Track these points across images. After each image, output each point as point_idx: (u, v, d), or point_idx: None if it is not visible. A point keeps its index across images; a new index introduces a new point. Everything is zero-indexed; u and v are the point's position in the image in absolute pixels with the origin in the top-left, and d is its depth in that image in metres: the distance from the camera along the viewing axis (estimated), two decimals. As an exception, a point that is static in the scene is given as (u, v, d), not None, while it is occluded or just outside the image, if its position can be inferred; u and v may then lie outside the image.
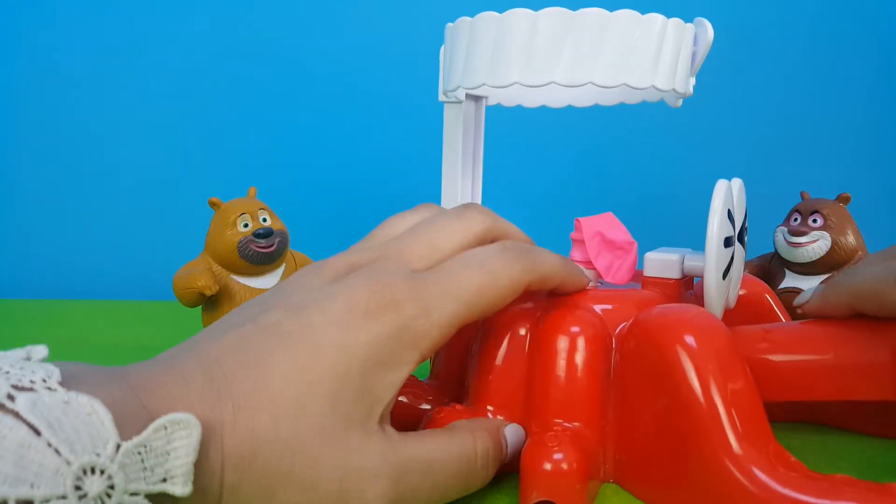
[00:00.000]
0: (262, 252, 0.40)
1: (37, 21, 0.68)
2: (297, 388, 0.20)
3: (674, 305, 0.26)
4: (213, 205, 0.41)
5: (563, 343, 0.26)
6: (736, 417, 0.22)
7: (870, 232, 0.44)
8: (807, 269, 0.43)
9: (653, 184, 0.69)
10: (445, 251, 0.25)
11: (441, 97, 0.37)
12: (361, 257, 0.24)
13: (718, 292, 0.28)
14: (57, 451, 0.14)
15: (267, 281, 0.41)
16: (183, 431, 0.16)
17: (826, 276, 0.43)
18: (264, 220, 0.40)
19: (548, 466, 0.23)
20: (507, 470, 0.26)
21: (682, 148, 0.69)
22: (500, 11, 0.30)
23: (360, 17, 0.68)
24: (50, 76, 0.68)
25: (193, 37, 0.68)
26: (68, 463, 0.14)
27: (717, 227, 0.27)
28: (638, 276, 0.32)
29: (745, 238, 0.32)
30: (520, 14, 0.30)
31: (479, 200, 0.39)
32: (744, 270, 0.46)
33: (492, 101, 0.39)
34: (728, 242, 0.28)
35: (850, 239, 0.43)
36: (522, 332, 0.28)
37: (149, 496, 0.16)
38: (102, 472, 0.15)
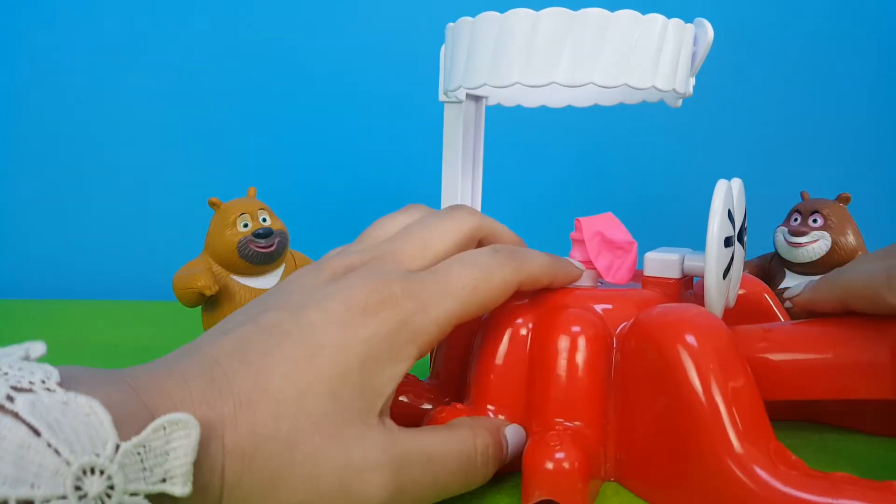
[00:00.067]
0: (262, 252, 0.40)
1: (37, 21, 0.68)
2: (298, 386, 0.20)
3: (674, 305, 0.26)
4: (212, 205, 0.41)
5: (563, 342, 0.26)
6: (737, 416, 0.22)
7: (870, 232, 0.44)
8: (807, 269, 0.43)
9: (653, 184, 0.69)
10: (438, 251, 0.25)
11: (441, 97, 0.37)
12: (357, 258, 0.25)
13: (719, 292, 0.28)
14: (56, 452, 0.14)
15: (267, 281, 0.41)
16: (182, 431, 0.16)
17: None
18: (264, 220, 0.40)
19: (550, 466, 0.23)
20: (508, 470, 0.26)
21: (682, 148, 0.69)
22: (501, 11, 0.30)
23: (360, 17, 0.68)
24: (50, 76, 0.68)
25: (193, 37, 0.68)
26: (68, 463, 0.14)
27: (717, 228, 0.27)
28: (638, 275, 0.32)
29: (745, 238, 0.32)
30: (521, 14, 0.30)
31: (479, 200, 0.39)
32: (743, 270, 0.46)
33: (492, 101, 0.39)
34: (728, 242, 0.28)
35: (851, 239, 0.43)
36: (523, 331, 0.28)
37: (148, 496, 0.16)
38: (102, 472, 0.15)
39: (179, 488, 0.16)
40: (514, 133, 0.64)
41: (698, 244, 0.29)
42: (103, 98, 0.68)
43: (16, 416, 0.14)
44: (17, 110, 0.68)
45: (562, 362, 0.26)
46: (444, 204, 0.37)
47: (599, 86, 0.30)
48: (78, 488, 0.14)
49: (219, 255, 0.40)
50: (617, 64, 0.29)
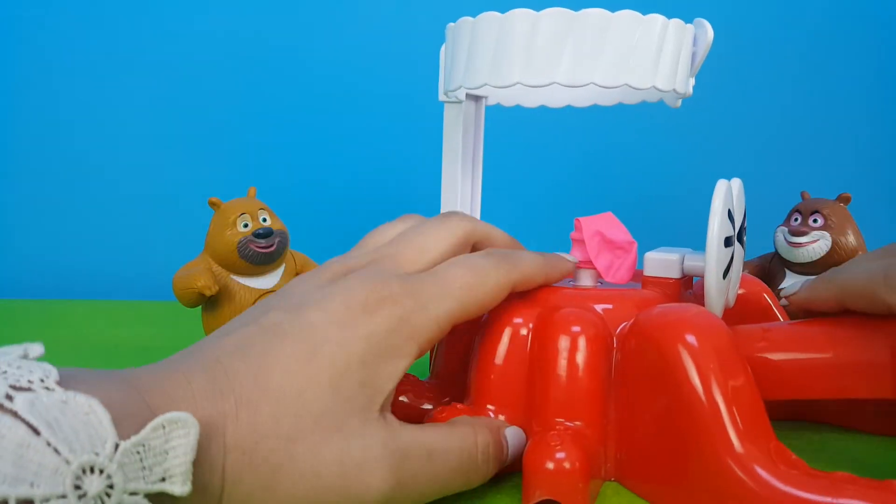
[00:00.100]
0: (262, 252, 0.40)
1: (37, 21, 0.68)
2: (299, 382, 0.20)
3: (674, 305, 0.26)
4: (212, 205, 0.41)
5: (564, 342, 0.26)
6: (737, 416, 0.22)
7: (870, 232, 0.44)
8: (807, 269, 0.43)
9: (653, 184, 0.69)
10: (434, 254, 0.26)
11: (441, 97, 0.37)
12: (356, 262, 0.26)
13: (718, 292, 0.28)
14: (56, 451, 0.14)
15: (267, 281, 0.41)
16: (181, 430, 0.16)
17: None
18: (264, 220, 0.40)
19: (550, 465, 0.23)
20: (508, 470, 0.26)
21: (682, 148, 0.69)
22: (502, 11, 0.30)
23: (360, 17, 0.68)
24: (50, 76, 0.68)
25: (193, 37, 0.68)
26: (67, 462, 0.14)
27: (717, 227, 0.27)
28: (638, 275, 0.32)
29: (745, 238, 0.32)
30: (521, 14, 0.30)
31: (478, 200, 0.39)
32: (744, 270, 0.46)
33: (492, 101, 0.39)
34: (728, 242, 0.28)
35: (851, 239, 0.43)
36: (524, 331, 0.28)
37: (148, 495, 0.16)
38: (101, 471, 0.15)
39: (179, 487, 0.16)
40: (514, 133, 0.64)
41: (698, 244, 0.29)
42: (103, 98, 0.68)
43: (15, 414, 0.14)
44: (16, 110, 0.68)
45: (562, 362, 0.26)
46: (444, 203, 0.37)
47: (600, 86, 0.30)
48: (77, 487, 0.14)
49: (219, 255, 0.40)
50: (617, 64, 0.29)
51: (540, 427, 0.26)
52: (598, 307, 0.28)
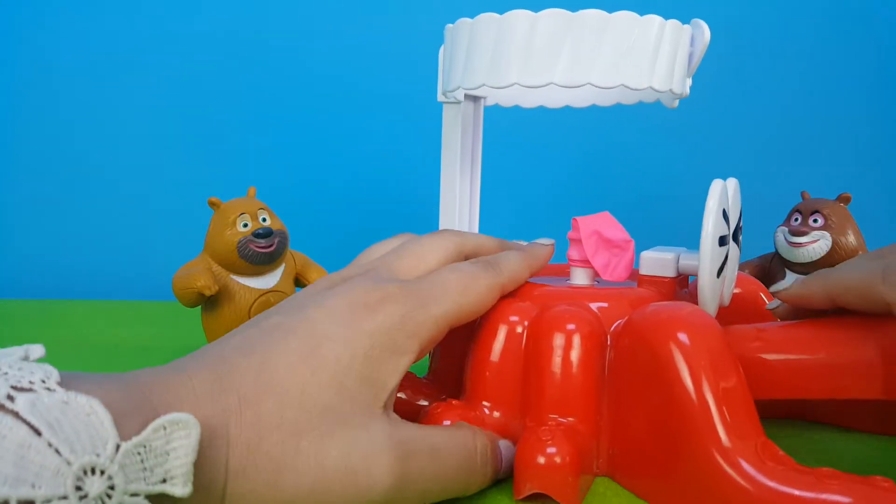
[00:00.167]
0: (262, 252, 0.40)
1: (36, 21, 0.68)
2: (302, 378, 0.20)
3: (668, 303, 0.26)
4: (212, 205, 0.41)
5: (558, 340, 0.26)
6: (726, 412, 0.22)
7: (870, 232, 0.44)
8: (807, 268, 0.43)
9: (653, 184, 0.69)
10: (429, 263, 0.27)
11: (440, 97, 0.37)
12: (354, 271, 0.27)
13: (712, 290, 0.28)
14: (57, 452, 0.14)
15: (266, 281, 0.41)
16: (182, 431, 0.16)
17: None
18: (264, 220, 0.40)
19: (541, 460, 0.23)
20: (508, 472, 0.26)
21: (682, 148, 0.69)
22: (500, 13, 0.30)
23: (360, 18, 0.68)
24: (50, 76, 0.68)
25: (193, 37, 0.68)
26: (69, 463, 0.14)
27: (711, 227, 0.27)
28: (635, 274, 0.33)
29: (740, 237, 0.32)
30: (519, 15, 0.30)
31: (477, 200, 0.40)
32: (744, 270, 0.46)
33: (490, 102, 0.40)
34: (723, 241, 0.28)
35: (851, 239, 0.43)
36: (519, 329, 0.28)
37: (149, 496, 0.16)
38: (102, 472, 0.15)
39: (180, 489, 0.16)
40: (513, 133, 0.64)
41: (695, 243, 0.30)
42: (103, 98, 0.68)
43: (16, 415, 0.14)
44: (16, 110, 0.69)
45: (556, 359, 0.26)
46: (443, 203, 0.38)
47: (597, 86, 0.30)
48: (79, 488, 0.14)
49: (218, 254, 0.40)
50: (614, 65, 0.30)
51: (534, 422, 0.26)
52: (594, 305, 0.28)
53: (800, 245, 0.43)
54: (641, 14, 0.30)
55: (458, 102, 0.36)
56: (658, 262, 0.31)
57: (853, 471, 0.21)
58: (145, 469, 0.16)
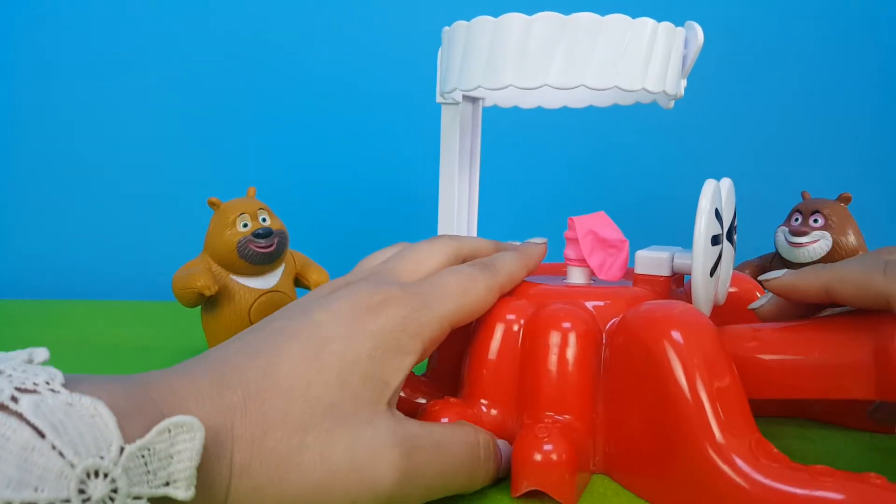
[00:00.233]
0: (262, 252, 0.40)
1: (37, 21, 0.68)
2: (307, 376, 0.21)
3: (662, 302, 0.27)
4: (212, 205, 0.41)
5: (554, 338, 0.27)
6: (720, 409, 0.22)
7: (870, 232, 0.45)
8: (807, 268, 0.43)
9: (653, 184, 0.69)
10: (428, 267, 0.28)
11: (438, 98, 0.37)
12: (354, 277, 0.27)
13: (706, 289, 0.28)
14: (61, 454, 0.14)
15: (266, 281, 0.41)
16: (186, 434, 0.16)
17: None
18: (264, 220, 0.41)
19: (538, 457, 0.24)
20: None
21: (682, 148, 0.69)
22: (496, 15, 0.31)
23: (360, 19, 0.68)
24: (50, 76, 0.68)
25: (193, 37, 0.68)
26: (72, 466, 0.14)
27: (704, 226, 0.27)
28: (630, 273, 0.33)
29: (735, 237, 0.32)
30: (514, 18, 0.30)
31: (475, 200, 0.40)
32: (744, 270, 0.46)
33: (488, 103, 0.40)
34: (716, 241, 0.28)
35: (851, 239, 0.43)
36: (515, 327, 0.28)
37: (151, 499, 0.16)
38: (106, 475, 0.15)
39: (182, 492, 0.16)
40: (511, 134, 0.64)
41: (691, 243, 0.30)
42: (103, 98, 0.69)
43: (20, 416, 0.14)
44: (16, 110, 0.69)
45: (552, 357, 0.26)
46: (441, 203, 0.38)
47: (591, 88, 0.30)
48: (82, 491, 0.14)
49: (218, 255, 0.40)
50: (607, 66, 0.30)
51: (530, 420, 0.26)
52: (589, 304, 0.29)
53: (800, 245, 0.43)
54: (647, 15, 0.30)
55: (457, 103, 0.37)
56: (653, 261, 0.31)
57: (847, 468, 0.21)
58: (149, 472, 0.16)
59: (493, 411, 0.28)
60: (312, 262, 0.45)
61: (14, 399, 0.15)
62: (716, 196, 0.28)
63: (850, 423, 0.33)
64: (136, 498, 0.15)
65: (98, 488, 0.14)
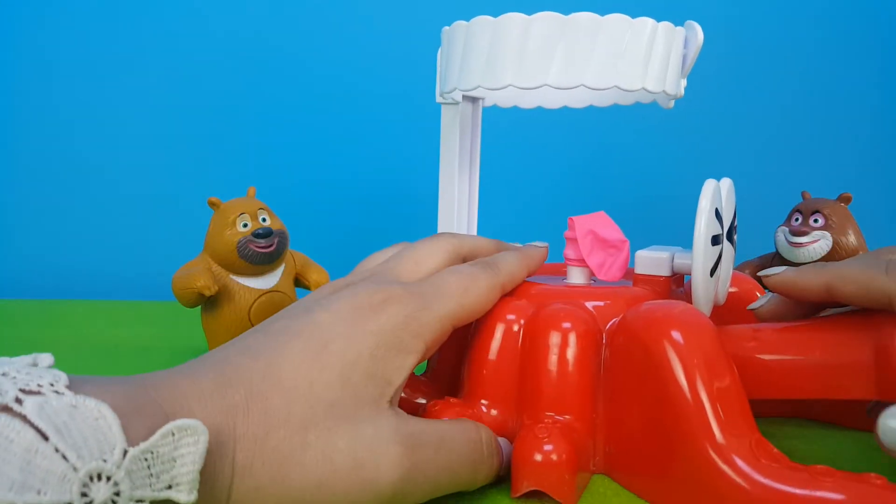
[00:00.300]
0: (262, 252, 0.40)
1: (37, 21, 0.68)
2: (309, 375, 0.21)
3: (662, 302, 0.27)
4: (212, 205, 0.41)
5: (554, 338, 0.27)
6: (720, 409, 0.22)
7: (870, 232, 0.45)
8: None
9: (653, 185, 0.69)
10: (428, 266, 0.28)
11: (438, 98, 0.37)
12: (355, 278, 0.27)
13: (706, 289, 0.28)
14: (64, 457, 0.14)
15: (266, 281, 0.41)
16: (190, 438, 0.16)
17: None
18: (264, 220, 0.41)
19: (538, 457, 0.24)
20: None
21: (682, 148, 0.69)
22: (495, 15, 0.31)
23: (360, 19, 0.68)
24: (50, 76, 0.68)
25: (193, 37, 0.68)
26: (75, 469, 0.14)
27: (704, 226, 0.27)
28: (630, 273, 0.33)
29: (735, 237, 0.32)
30: (514, 18, 0.30)
31: (475, 200, 0.40)
32: (745, 270, 0.46)
33: (488, 103, 0.40)
34: (716, 241, 0.28)
35: (852, 239, 0.43)
36: (515, 327, 0.28)
37: (153, 503, 0.16)
38: (109, 478, 0.15)
39: (185, 496, 0.16)
40: (511, 134, 0.64)
41: (691, 243, 0.30)
42: (103, 98, 0.69)
43: (24, 418, 0.14)
44: (16, 110, 0.69)
45: (552, 357, 0.26)
46: (441, 203, 0.38)
47: (590, 88, 0.30)
48: (84, 494, 0.14)
49: (218, 255, 0.40)
50: (607, 66, 0.30)
51: (530, 420, 0.26)
52: (589, 304, 0.29)
53: (800, 245, 0.43)
54: (636, 16, 0.30)
55: (457, 103, 0.37)
56: (653, 261, 0.31)
57: (847, 468, 0.21)
58: (151, 475, 0.16)
59: (494, 411, 0.28)
60: (312, 262, 0.45)
61: (18, 401, 0.15)
62: (716, 196, 0.28)
63: (850, 423, 0.33)
64: (139, 501, 0.15)
65: (101, 491, 0.14)
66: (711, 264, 0.28)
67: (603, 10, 0.30)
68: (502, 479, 0.26)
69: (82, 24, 0.68)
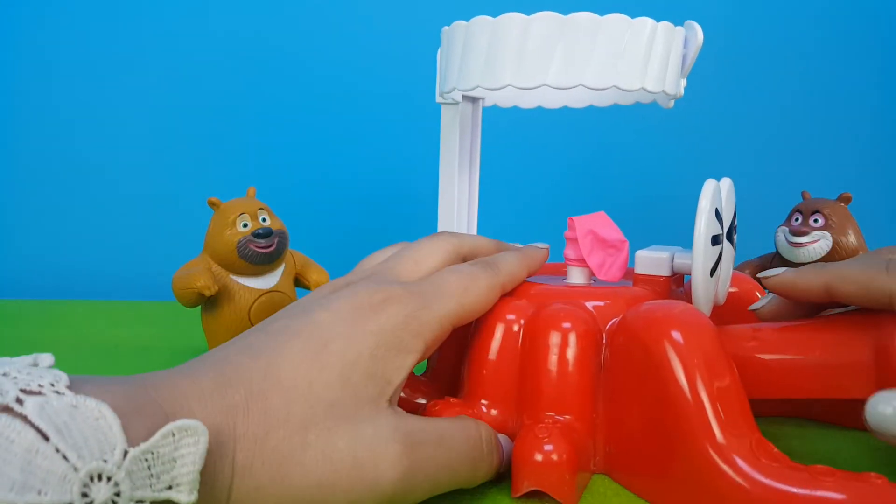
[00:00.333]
0: (262, 252, 0.40)
1: (37, 21, 0.68)
2: (309, 375, 0.21)
3: (662, 302, 0.27)
4: (212, 205, 0.41)
5: (554, 338, 0.27)
6: (720, 409, 0.22)
7: (870, 232, 0.45)
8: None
9: (653, 185, 0.69)
10: (428, 265, 0.28)
11: (438, 98, 0.37)
12: (355, 277, 0.27)
13: (706, 289, 0.28)
14: (65, 457, 0.14)
15: (266, 281, 0.41)
16: (190, 438, 0.16)
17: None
18: (264, 220, 0.41)
19: (539, 457, 0.24)
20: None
21: (682, 148, 0.69)
22: (495, 15, 0.31)
23: (360, 19, 0.68)
24: (50, 76, 0.68)
25: (193, 37, 0.68)
26: (75, 469, 0.14)
27: (704, 226, 0.27)
28: (630, 273, 0.33)
29: (735, 237, 0.32)
30: (513, 18, 0.30)
31: (475, 200, 0.40)
32: (745, 270, 0.46)
33: (488, 103, 0.40)
34: (716, 241, 0.28)
35: (852, 239, 0.43)
36: (515, 327, 0.28)
37: (153, 503, 0.16)
38: (109, 478, 0.15)
39: (185, 496, 0.16)
40: (511, 134, 0.64)
41: (691, 243, 0.30)
42: (103, 98, 0.69)
43: (25, 419, 0.14)
44: (16, 110, 0.69)
45: (552, 357, 0.26)
46: (441, 203, 0.38)
47: (590, 88, 0.30)
48: (85, 495, 0.14)
49: (218, 255, 0.40)
50: (607, 66, 0.30)
51: (531, 420, 0.26)
52: (589, 304, 0.29)
53: (800, 245, 0.43)
54: (636, 16, 0.30)
55: (456, 104, 0.37)
56: (653, 261, 0.31)
57: (847, 468, 0.21)
58: (152, 476, 0.16)
59: (494, 411, 0.28)
60: (312, 262, 0.45)
61: (19, 401, 0.15)
62: (716, 196, 0.28)
63: (850, 423, 0.33)
64: (139, 502, 0.15)
65: (101, 492, 0.14)
66: (711, 264, 0.28)
67: (602, 10, 0.30)
68: (503, 476, 0.26)
69: (82, 24, 0.68)
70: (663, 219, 0.67)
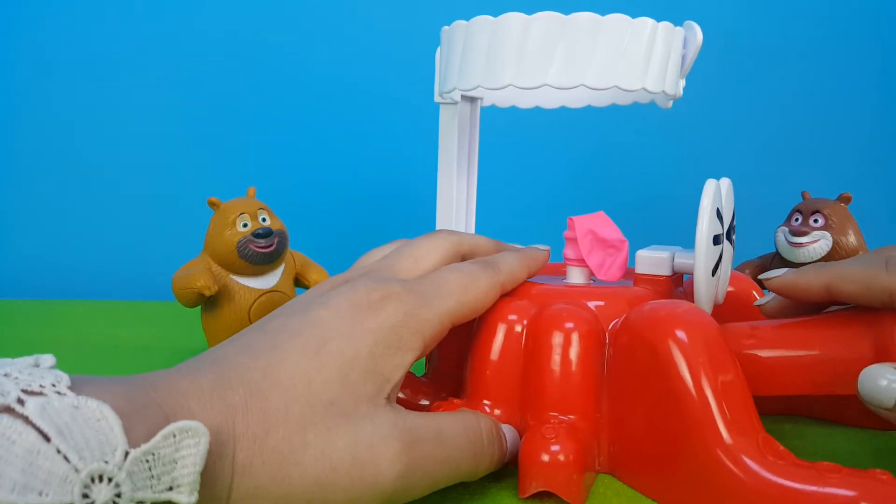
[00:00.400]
0: (262, 252, 0.40)
1: (37, 21, 0.68)
2: (308, 374, 0.21)
3: (665, 301, 0.27)
4: (212, 205, 0.41)
5: (557, 338, 0.27)
6: (726, 408, 0.22)
7: (870, 232, 0.45)
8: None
9: (651, 185, 0.69)
10: (427, 263, 0.28)
11: (437, 98, 0.37)
12: (354, 274, 0.27)
13: (707, 288, 0.28)
14: (66, 458, 0.14)
15: (266, 281, 0.41)
16: (191, 440, 0.16)
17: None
18: (263, 219, 0.41)
19: (546, 458, 0.24)
20: (509, 464, 0.26)
21: (682, 148, 0.69)
22: (495, 15, 0.31)
23: (360, 19, 0.68)
24: (50, 76, 0.68)
25: (193, 37, 0.68)
26: (77, 470, 0.14)
27: (706, 226, 0.27)
28: (630, 273, 0.33)
29: (734, 236, 0.32)
30: (513, 18, 0.30)
31: (473, 200, 0.40)
32: (745, 270, 0.46)
33: (487, 103, 0.40)
34: (717, 240, 0.29)
35: (852, 239, 0.43)
36: (518, 328, 0.28)
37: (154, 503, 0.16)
38: (110, 479, 0.15)
39: (186, 497, 0.16)
40: (509, 134, 0.64)
41: (690, 243, 0.30)
42: (103, 98, 0.69)
43: (26, 419, 0.14)
44: (16, 110, 0.69)
45: (556, 357, 0.26)
46: (440, 203, 0.38)
47: (590, 88, 0.30)
48: (86, 496, 0.14)
49: (218, 255, 0.40)
50: (607, 66, 0.30)
51: (535, 421, 0.26)
52: (591, 304, 0.29)
53: (800, 245, 0.43)
54: (636, 16, 0.30)
55: (455, 103, 0.37)
56: (654, 260, 0.31)
57: (849, 465, 0.21)
58: (152, 477, 0.16)
59: (497, 412, 0.28)
60: (312, 262, 0.45)
61: (20, 401, 0.15)
62: (717, 196, 0.28)
63: (851, 421, 0.33)
64: (140, 503, 0.15)
65: (102, 493, 0.14)
66: (713, 264, 0.28)
67: (603, 10, 0.30)
68: (507, 474, 0.26)
69: (82, 24, 0.68)
70: (663, 219, 0.67)
